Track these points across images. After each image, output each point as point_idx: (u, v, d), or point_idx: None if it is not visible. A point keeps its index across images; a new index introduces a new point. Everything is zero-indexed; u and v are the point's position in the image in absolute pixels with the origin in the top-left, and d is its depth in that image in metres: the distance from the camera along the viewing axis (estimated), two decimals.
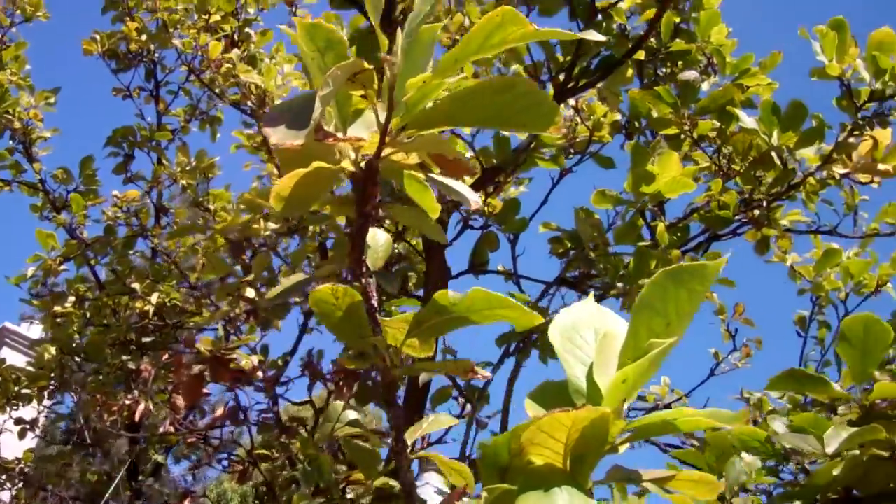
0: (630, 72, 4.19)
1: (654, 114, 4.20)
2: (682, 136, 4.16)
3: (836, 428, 2.07)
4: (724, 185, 3.97)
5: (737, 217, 4.04)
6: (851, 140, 3.78)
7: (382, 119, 1.24)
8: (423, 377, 2.98)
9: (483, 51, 1.21)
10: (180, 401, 4.29)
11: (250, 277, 3.38)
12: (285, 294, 1.30)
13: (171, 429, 4.43)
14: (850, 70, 3.62)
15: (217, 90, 5.24)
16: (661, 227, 3.57)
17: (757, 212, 4.00)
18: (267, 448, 3.85)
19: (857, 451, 2.07)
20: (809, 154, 3.91)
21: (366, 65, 1.19)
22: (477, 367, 1.19)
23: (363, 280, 1.27)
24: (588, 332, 1.31)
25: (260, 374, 3.64)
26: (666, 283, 1.18)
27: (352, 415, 1.29)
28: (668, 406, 4.63)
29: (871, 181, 3.99)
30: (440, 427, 1.34)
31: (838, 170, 3.91)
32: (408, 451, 1.24)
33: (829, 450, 2.02)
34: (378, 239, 1.34)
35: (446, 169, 1.27)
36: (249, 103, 5.17)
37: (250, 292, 3.36)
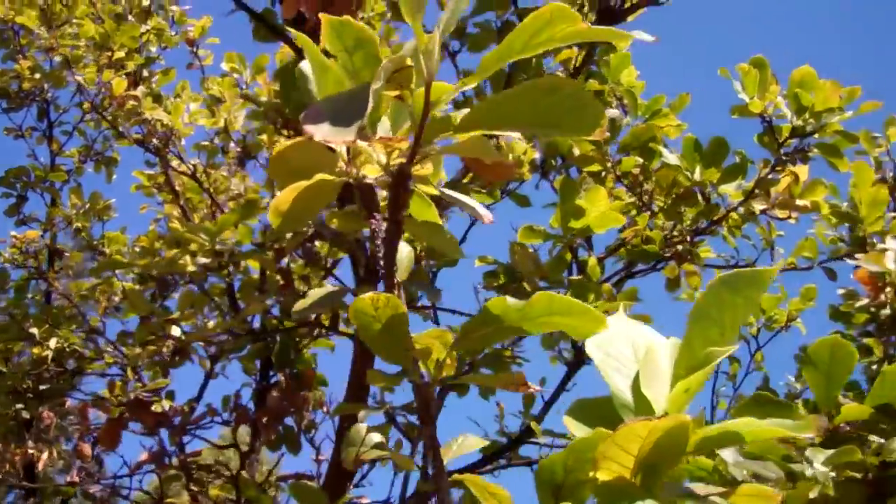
0: None
1: (576, 151, 4.22)
2: (604, 173, 4.18)
3: (813, 451, 2.06)
4: (649, 220, 4.01)
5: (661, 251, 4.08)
6: (772, 176, 3.85)
7: (417, 121, 1.17)
8: (361, 414, 2.88)
9: (527, 50, 1.15)
10: (87, 448, 4.10)
11: (175, 315, 3.25)
12: (315, 307, 1.22)
13: (77, 479, 4.22)
14: (772, 107, 3.70)
15: (120, 128, 5.07)
16: (592, 261, 3.57)
17: (680, 247, 4.04)
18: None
19: (832, 474, 2.06)
20: (731, 190, 3.97)
21: (409, 61, 1.12)
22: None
23: (395, 292, 1.20)
24: (625, 345, 1.26)
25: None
26: (722, 291, 1.14)
27: (376, 438, 1.21)
28: None
29: (789, 217, 4.07)
30: (470, 449, 1.27)
31: (758, 205, 3.98)
32: (445, 473, 1.17)
33: (809, 472, 2.01)
34: (402, 251, 1.26)
35: (485, 174, 1.22)
36: (154, 141, 5.03)
37: (175, 331, 3.22)
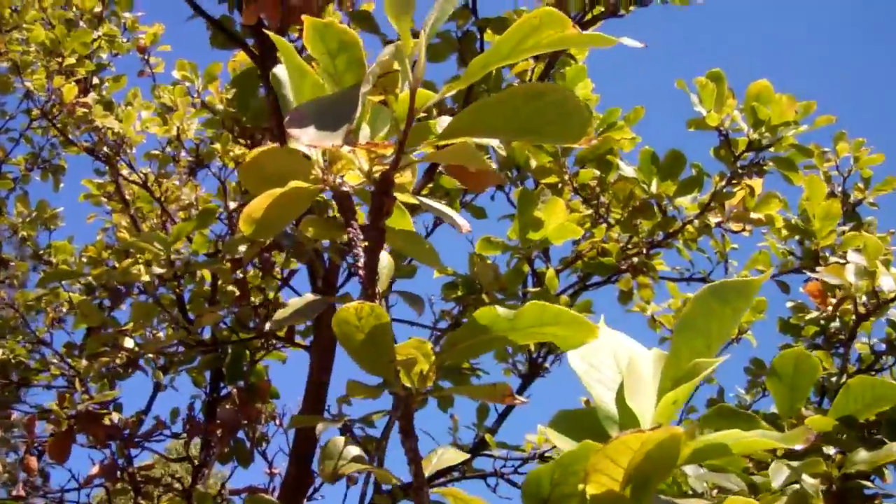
0: None
1: (533, 163, 4.22)
2: (561, 185, 4.19)
3: (778, 463, 2.07)
4: (605, 233, 4.01)
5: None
6: (727, 189, 3.88)
7: (401, 127, 1.15)
8: (319, 427, 2.83)
9: (514, 55, 1.14)
10: (33, 462, 4.01)
11: (128, 326, 3.18)
12: (294, 317, 1.19)
13: (23, 492, 4.13)
14: (729, 120, 3.72)
15: (70, 136, 4.98)
16: (550, 272, 3.57)
17: (636, 259, 4.05)
18: None
19: (797, 486, 2.07)
20: (687, 203, 3.99)
21: (396, 65, 1.10)
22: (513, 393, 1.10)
23: (377, 302, 1.18)
24: (607, 356, 1.25)
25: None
26: (710, 300, 1.13)
27: (354, 451, 1.18)
28: (543, 455, 4.60)
29: (743, 230, 4.10)
30: (450, 462, 1.25)
31: (714, 218, 4.01)
32: (426, 488, 1.15)
33: (776, 483, 2.01)
34: (382, 260, 1.24)
35: (467, 182, 1.19)
36: (105, 149, 4.94)
37: (128, 342, 3.16)
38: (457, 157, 1.14)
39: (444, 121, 1.27)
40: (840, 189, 4.94)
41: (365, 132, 1.28)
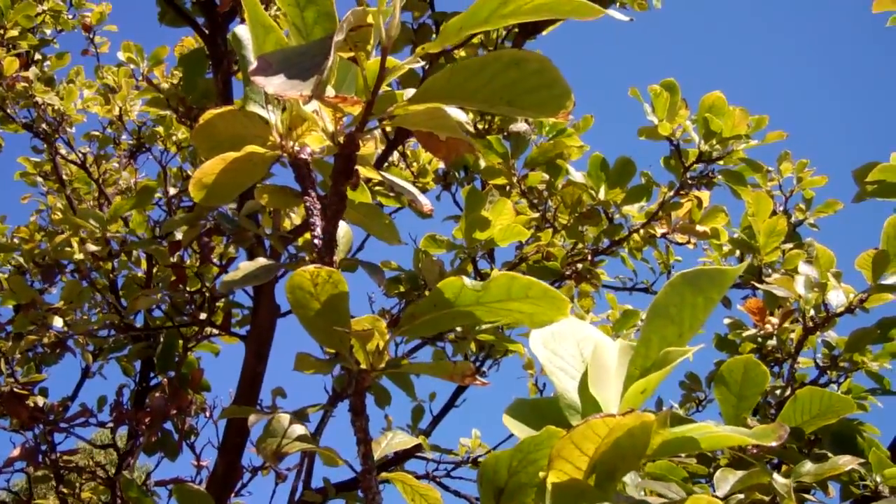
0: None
1: (482, 163, 4.17)
2: (509, 187, 4.14)
3: (724, 472, 2.03)
4: (552, 237, 3.97)
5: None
6: (675, 200, 3.86)
7: (370, 87, 1.09)
8: (252, 419, 2.75)
9: (493, 20, 1.08)
10: None
11: (59, 305, 3.06)
12: (246, 280, 1.11)
13: None
14: (680, 130, 3.70)
15: (7, 110, 4.82)
16: (495, 273, 3.51)
17: (580, 266, 4.01)
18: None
19: (741, 496, 2.03)
20: (634, 211, 3.96)
21: (370, 19, 1.03)
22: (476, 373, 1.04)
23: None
24: (570, 344, 1.19)
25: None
26: (683, 288, 1.08)
27: (299, 430, 1.10)
28: (476, 460, 4.55)
29: (688, 242, 4.09)
30: (403, 447, 1.18)
31: (660, 229, 3.99)
32: (375, 472, 1.08)
33: (721, 493, 1.97)
34: (340, 228, 1.17)
35: (437, 150, 1.13)
36: (44, 126, 4.80)
37: (58, 321, 3.04)
38: (428, 122, 1.08)
39: (409, 92, 1.21)
40: (782, 209, 4.97)
41: (329, 92, 1.22)
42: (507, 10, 1.06)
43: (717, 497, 2.03)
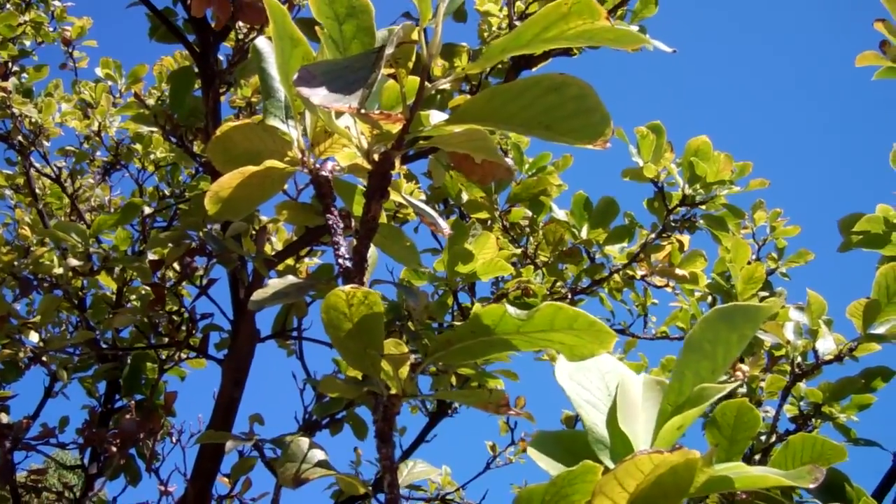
0: None
1: (465, 196, 4.15)
2: (491, 221, 4.13)
3: None
4: (533, 273, 3.96)
5: None
6: (657, 242, 3.86)
7: (409, 103, 1.06)
8: (228, 445, 2.70)
9: (535, 44, 1.06)
10: None
11: (35, 319, 2.99)
12: (276, 297, 1.08)
13: None
14: (665, 173, 3.71)
15: None
16: (477, 307, 3.49)
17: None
18: None
19: None
20: (615, 251, 3.96)
21: (415, 35, 1.01)
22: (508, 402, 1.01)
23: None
24: (595, 377, 1.17)
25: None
26: (718, 324, 1.06)
27: (319, 455, 1.07)
28: (444, 497, 4.50)
29: (667, 285, 4.09)
30: (423, 476, 1.15)
31: (639, 270, 3.98)
32: (400, 501, 1.04)
33: None
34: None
35: (473, 173, 1.10)
36: (20, 138, 4.73)
37: (34, 336, 2.97)
38: (466, 143, 1.05)
39: (435, 116, 1.19)
40: (755, 257, 4.99)
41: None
42: (549, 34, 1.05)
43: None
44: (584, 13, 1.02)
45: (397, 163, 1.21)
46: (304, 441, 1.09)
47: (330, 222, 1.19)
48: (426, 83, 1.04)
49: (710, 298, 4.16)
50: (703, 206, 3.79)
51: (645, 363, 4.86)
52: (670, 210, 3.76)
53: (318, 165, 1.25)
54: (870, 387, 2.85)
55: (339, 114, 1.12)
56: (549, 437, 1.15)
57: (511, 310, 0.98)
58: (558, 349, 1.01)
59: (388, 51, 0.93)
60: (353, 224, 1.40)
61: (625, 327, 4.30)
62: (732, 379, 3.89)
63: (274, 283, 1.11)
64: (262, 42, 1.31)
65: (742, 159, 3.71)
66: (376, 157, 1.09)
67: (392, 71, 1.06)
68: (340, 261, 1.12)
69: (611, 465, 1.05)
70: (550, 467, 1.09)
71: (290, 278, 1.11)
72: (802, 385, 3.25)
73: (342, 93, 0.93)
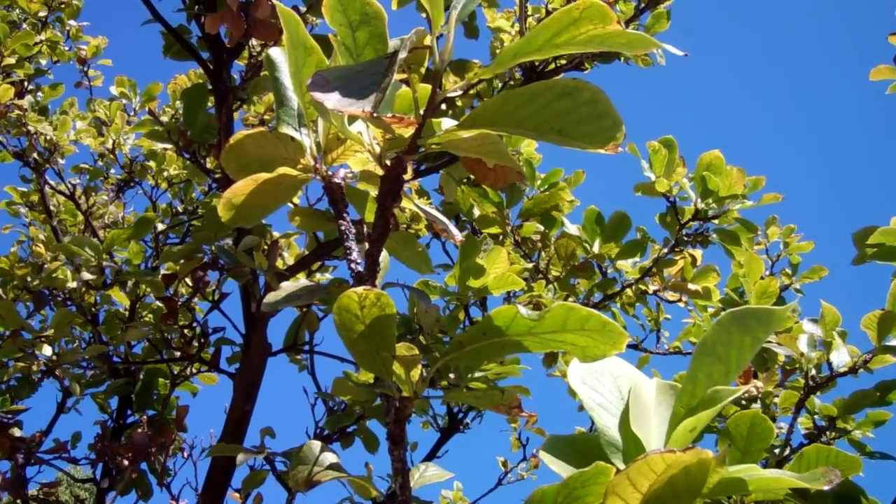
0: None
1: (476, 212, 4.16)
2: (502, 236, 4.13)
3: None
4: (545, 288, 3.96)
5: None
6: (669, 257, 3.86)
7: (422, 109, 1.07)
8: (240, 458, 2.70)
9: (546, 49, 1.06)
10: None
11: (49, 333, 3.01)
12: (289, 300, 1.09)
13: None
14: (677, 188, 3.71)
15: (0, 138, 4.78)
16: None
17: None
18: None
19: None
20: (627, 266, 3.96)
21: (427, 40, 1.02)
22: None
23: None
24: (607, 381, 1.17)
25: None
26: (731, 327, 1.06)
27: (331, 458, 1.07)
28: None
29: (679, 300, 4.08)
30: (436, 480, 1.15)
31: (652, 285, 3.98)
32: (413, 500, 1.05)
33: None
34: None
35: (485, 178, 1.11)
36: (35, 156, 4.76)
37: (47, 350, 2.98)
38: (478, 148, 1.06)
39: (447, 122, 1.20)
40: (768, 273, 4.97)
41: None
42: (560, 39, 1.05)
43: None
44: (595, 18, 1.03)
45: (409, 170, 1.21)
46: (316, 444, 1.10)
47: (342, 228, 1.19)
48: (438, 90, 1.04)
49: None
50: (716, 221, 3.79)
51: (658, 376, 4.84)
52: (683, 224, 3.76)
53: (330, 172, 1.25)
54: (885, 399, 2.84)
55: (351, 119, 1.13)
56: (562, 441, 1.15)
57: (523, 310, 0.98)
58: (570, 350, 1.01)
59: (402, 55, 0.94)
60: (365, 231, 1.40)
61: (637, 342, 4.29)
62: (746, 394, 3.88)
63: (286, 286, 1.12)
64: (275, 52, 1.32)
65: (755, 174, 3.71)
66: (388, 162, 1.09)
67: (405, 76, 1.07)
68: (353, 265, 1.12)
69: (623, 467, 1.05)
70: (563, 470, 1.09)
71: (303, 281, 1.12)
72: (817, 400, 3.25)
73: (355, 97, 0.93)
